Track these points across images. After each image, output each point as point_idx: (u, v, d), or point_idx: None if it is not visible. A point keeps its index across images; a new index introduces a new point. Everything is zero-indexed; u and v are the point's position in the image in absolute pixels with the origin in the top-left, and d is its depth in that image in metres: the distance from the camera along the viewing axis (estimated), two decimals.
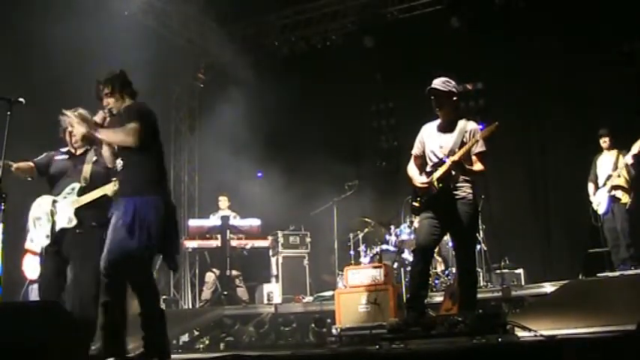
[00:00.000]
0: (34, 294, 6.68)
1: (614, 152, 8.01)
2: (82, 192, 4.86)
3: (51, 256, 4.79)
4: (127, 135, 4.23)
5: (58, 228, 4.78)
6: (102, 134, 4.33)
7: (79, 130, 4.66)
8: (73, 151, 5.09)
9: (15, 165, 4.79)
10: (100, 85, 4.43)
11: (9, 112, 4.56)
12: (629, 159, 7.84)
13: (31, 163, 5.02)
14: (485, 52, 9.76)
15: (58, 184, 4.97)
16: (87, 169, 4.93)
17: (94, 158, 4.98)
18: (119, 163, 4.38)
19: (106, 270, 4.07)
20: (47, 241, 4.83)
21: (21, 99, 4.61)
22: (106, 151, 4.49)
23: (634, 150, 7.79)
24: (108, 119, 4.46)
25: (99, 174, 4.92)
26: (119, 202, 4.27)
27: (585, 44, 8.96)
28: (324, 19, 11.00)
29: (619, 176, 7.86)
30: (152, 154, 4.36)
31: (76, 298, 4.63)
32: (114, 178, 4.72)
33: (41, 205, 4.94)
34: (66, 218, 4.78)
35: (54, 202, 4.88)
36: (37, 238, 4.90)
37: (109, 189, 4.76)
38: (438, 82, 5.14)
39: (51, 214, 4.83)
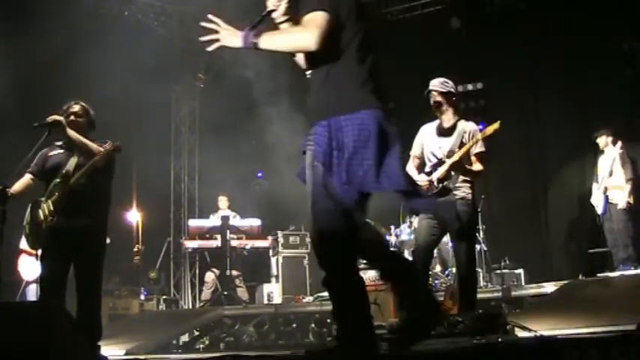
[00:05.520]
0: (31, 295, 6.67)
1: (611, 152, 8.01)
2: (61, 186, 4.63)
3: (51, 255, 4.73)
4: (304, 35, 2.97)
5: (44, 227, 4.65)
6: (267, 40, 3.03)
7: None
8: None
9: (11, 190, 4.62)
10: None
11: (47, 134, 4.54)
12: (617, 150, 7.82)
13: (29, 176, 4.82)
14: (485, 52, 9.77)
15: (52, 181, 4.75)
16: (72, 162, 4.71)
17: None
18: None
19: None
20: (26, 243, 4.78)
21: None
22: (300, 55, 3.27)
23: (615, 152, 7.80)
24: (283, 6, 3.23)
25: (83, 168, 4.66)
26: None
27: (585, 44, 8.96)
28: None
29: (613, 176, 7.85)
30: (345, 55, 3.08)
31: (80, 298, 4.61)
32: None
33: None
34: (50, 217, 4.62)
35: (37, 202, 4.72)
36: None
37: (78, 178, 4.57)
38: (436, 83, 5.15)
39: (30, 214, 4.71)
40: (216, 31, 3.12)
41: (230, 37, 3.09)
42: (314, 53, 3.03)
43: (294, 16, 3.13)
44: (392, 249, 3.40)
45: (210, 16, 3.14)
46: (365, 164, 2.96)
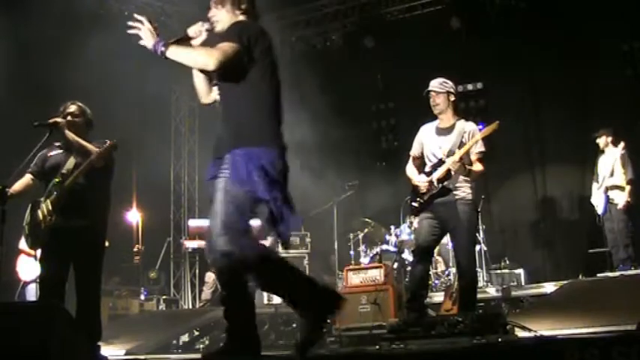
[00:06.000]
0: (30, 295, 6.66)
1: (612, 152, 8.01)
2: (59, 186, 4.62)
3: (50, 255, 4.73)
4: (207, 55, 3.22)
5: (44, 227, 4.65)
6: (173, 51, 3.29)
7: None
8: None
9: (11, 190, 4.61)
10: None
11: (48, 134, 4.54)
12: (618, 151, 7.82)
13: (28, 176, 4.82)
14: (485, 52, 9.77)
15: (52, 181, 4.73)
16: (71, 162, 4.71)
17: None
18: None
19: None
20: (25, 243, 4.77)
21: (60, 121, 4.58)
22: (198, 80, 3.56)
23: (617, 152, 7.81)
24: (204, 35, 3.48)
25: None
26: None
27: (585, 44, 8.97)
28: (324, 19, 11.01)
29: (612, 175, 7.85)
30: (260, 89, 3.33)
31: (80, 298, 4.61)
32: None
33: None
34: (48, 217, 4.60)
35: (38, 202, 4.71)
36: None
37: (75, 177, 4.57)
38: (435, 84, 5.15)
39: (30, 214, 4.73)
40: (139, 28, 3.38)
41: (146, 37, 3.36)
42: (228, 85, 3.33)
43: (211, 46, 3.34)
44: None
45: (136, 16, 3.43)
46: (275, 197, 3.21)
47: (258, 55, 3.31)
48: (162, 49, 3.28)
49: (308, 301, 3.30)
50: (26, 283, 6.75)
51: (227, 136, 3.35)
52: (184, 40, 3.44)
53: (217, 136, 3.43)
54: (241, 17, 3.47)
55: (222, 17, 3.46)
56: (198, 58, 3.27)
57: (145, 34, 3.36)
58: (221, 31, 3.40)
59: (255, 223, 3.41)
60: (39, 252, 4.75)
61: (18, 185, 4.77)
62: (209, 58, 3.19)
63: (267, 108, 3.34)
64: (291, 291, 3.35)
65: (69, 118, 4.76)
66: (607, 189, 7.88)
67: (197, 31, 3.47)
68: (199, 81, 3.58)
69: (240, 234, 3.25)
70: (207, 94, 3.59)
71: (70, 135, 4.63)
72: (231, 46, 3.21)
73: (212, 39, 3.36)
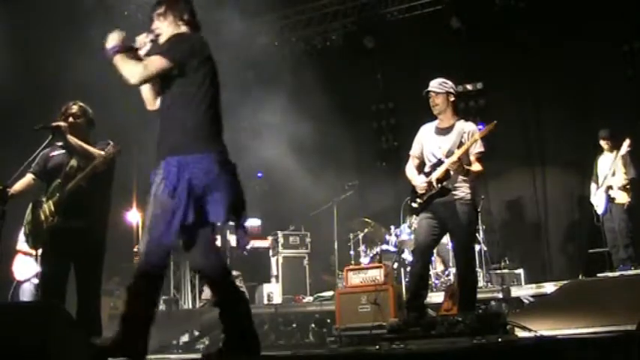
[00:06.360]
0: (24, 295, 6.66)
1: (614, 152, 8.01)
2: (61, 187, 4.65)
3: (51, 255, 4.73)
4: (132, 70, 3.43)
5: (45, 227, 4.65)
6: (116, 59, 3.49)
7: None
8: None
9: (12, 190, 4.62)
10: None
11: (50, 137, 4.57)
12: (624, 149, 7.82)
13: (30, 175, 4.83)
14: (485, 52, 9.77)
15: (53, 182, 4.76)
16: (73, 163, 4.73)
17: None
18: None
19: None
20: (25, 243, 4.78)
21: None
22: (144, 87, 3.68)
23: (622, 150, 7.81)
24: (148, 46, 3.61)
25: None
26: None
27: (585, 44, 8.96)
28: (324, 19, 11.00)
29: (614, 176, 7.85)
30: (195, 98, 3.46)
31: (80, 298, 4.61)
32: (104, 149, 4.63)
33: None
34: (50, 217, 4.63)
35: (40, 202, 4.72)
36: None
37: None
38: (435, 84, 5.15)
39: (31, 214, 4.73)
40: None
41: (111, 40, 3.54)
42: (165, 94, 3.50)
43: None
44: (232, 280, 3.66)
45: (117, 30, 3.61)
46: (206, 202, 3.34)
47: (194, 66, 3.45)
48: (112, 55, 3.49)
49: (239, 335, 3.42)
50: (20, 283, 6.74)
51: (162, 144, 3.48)
52: (132, 50, 3.58)
53: (156, 143, 3.55)
54: (183, 28, 3.60)
55: (165, 29, 3.58)
56: (125, 71, 3.44)
57: (112, 37, 3.54)
58: (161, 43, 3.54)
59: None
60: (39, 251, 4.77)
61: (19, 185, 4.78)
62: (132, 74, 3.41)
63: (202, 116, 3.45)
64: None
65: (70, 119, 4.77)
66: (608, 188, 7.88)
67: (142, 42, 3.62)
68: (144, 88, 3.69)
69: (165, 248, 3.44)
70: (153, 101, 3.71)
71: (72, 140, 4.64)
72: (158, 61, 3.40)
73: (153, 50, 3.52)
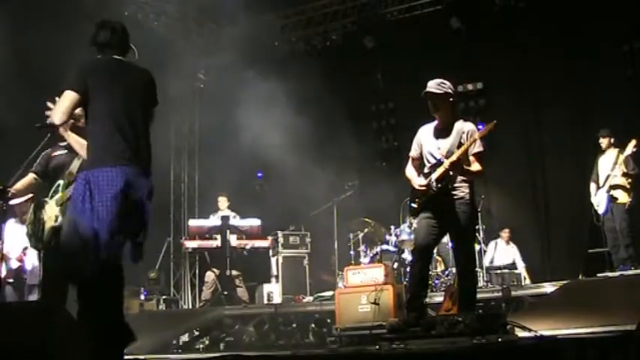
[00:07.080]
0: (8, 296, 6.66)
1: (615, 152, 8.00)
2: (66, 187, 4.62)
3: (52, 256, 4.72)
4: (53, 113, 3.79)
5: (47, 227, 4.68)
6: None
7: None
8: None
9: (13, 189, 4.65)
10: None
11: (49, 136, 4.61)
12: (629, 149, 7.83)
13: (32, 175, 4.85)
14: (485, 52, 9.77)
15: (56, 182, 4.75)
16: (76, 164, 4.71)
17: None
18: None
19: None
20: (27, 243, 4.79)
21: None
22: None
23: (628, 151, 7.81)
24: None
25: None
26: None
27: (585, 44, 8.97)
28: (324, 19, 11.01)
29: (616, 175, 7.86)
30: (97, 113, 3.75)
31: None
32: None
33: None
34: (53, 217, 4.60)
35: (42, 202, 4.69)
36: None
37: None
38: (433, 85, 5.13)
39: (33, 214, 4.72)
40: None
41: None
42: (86, 114, 3.79)
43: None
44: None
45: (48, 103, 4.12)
46: (112, 211, 3.54)
47: (92, 85, 3.72)
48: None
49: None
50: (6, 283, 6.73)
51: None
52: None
53: None
54: (94, 52, 3.96)
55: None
56: (52, 115, 3.77)
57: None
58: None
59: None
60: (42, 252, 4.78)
61: (20, 184, 4.80)
62: (54, 116, 3.73)
63: (105, 129, 3.71)
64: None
65: (71, 120, 4.76)
66: (610, 188, 7.88)
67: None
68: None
69: (76, 256, 3.54)
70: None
71: (72, 138, 4.62)
72: (66, 94, 3.69)
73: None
